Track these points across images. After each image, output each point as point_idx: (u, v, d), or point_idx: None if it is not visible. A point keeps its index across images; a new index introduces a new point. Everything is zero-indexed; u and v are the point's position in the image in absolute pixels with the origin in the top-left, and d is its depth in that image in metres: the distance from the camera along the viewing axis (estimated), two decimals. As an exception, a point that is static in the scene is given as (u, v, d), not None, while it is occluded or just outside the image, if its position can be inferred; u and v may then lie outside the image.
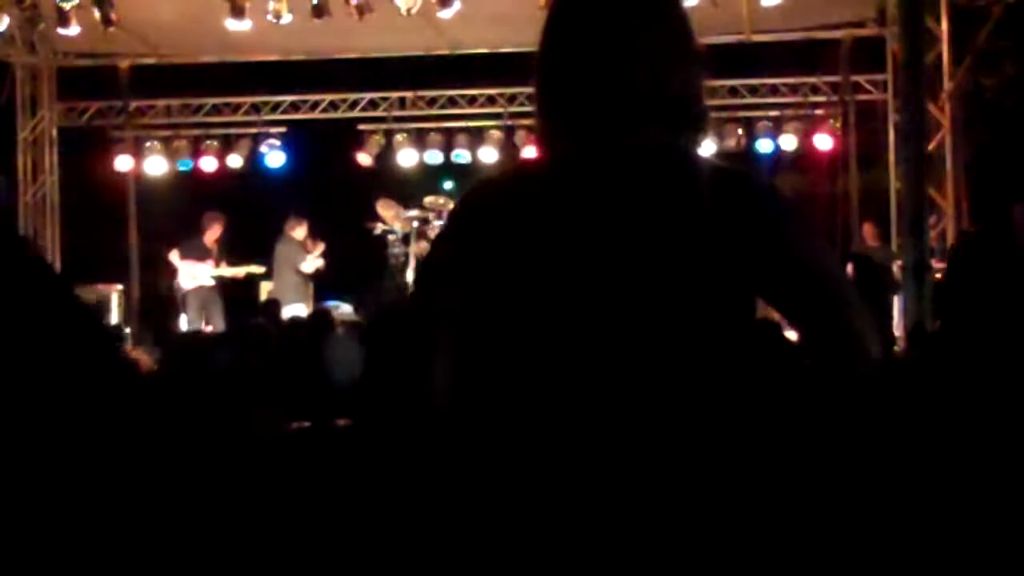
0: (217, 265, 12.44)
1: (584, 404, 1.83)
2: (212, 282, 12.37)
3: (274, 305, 10.73)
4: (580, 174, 1.90)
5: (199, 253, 12.38)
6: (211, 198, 13.64)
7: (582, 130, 1.92)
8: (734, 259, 1.85)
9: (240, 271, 12.57)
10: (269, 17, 11.27)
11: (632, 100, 1.90)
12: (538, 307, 1.86)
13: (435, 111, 14.56)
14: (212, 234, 12.49)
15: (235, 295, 12.62)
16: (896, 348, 8.00)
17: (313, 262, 12.64)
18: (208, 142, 14.39)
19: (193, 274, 12.32)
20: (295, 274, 12.49)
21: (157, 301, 13.50)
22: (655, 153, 1.89)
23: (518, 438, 1.85)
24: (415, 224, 12.43)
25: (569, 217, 1.87)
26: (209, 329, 11.91)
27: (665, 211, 1.85)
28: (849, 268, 8.87)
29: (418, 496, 1.93)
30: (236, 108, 14.67)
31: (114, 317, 12.84)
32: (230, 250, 12.68)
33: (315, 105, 14.65)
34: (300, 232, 12.73)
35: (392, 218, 12.74)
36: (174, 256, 12.45)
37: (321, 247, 12.80)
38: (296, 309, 11.49)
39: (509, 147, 13.90)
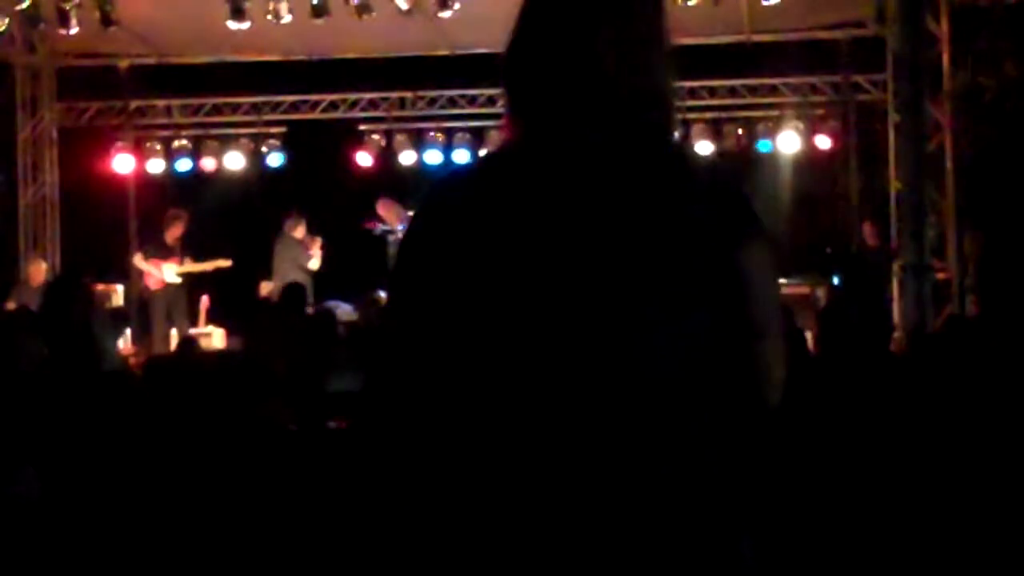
0: (181, 263, 12.40)
1: (557, 409, 1.81)
2: (178, 280, 12.34)
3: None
4: (543, 168, 1.89)
5: (162, 252, 12.34)
6: (211, 198, 13.62)
7: (547, 123, 1.91)
8: (693, 255, 1.84)
9: (207, 266, 12.50)
10: (269, 17, 11.28)
11: (598, 92, 1.90)
12: (506, 305, 1.85)
13: (435, 111, 14.56)
14: (174, 232, 12.41)
15: (232, 293, 12.60)
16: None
17: (316, 260, 12.63)
18: (208, 142, 14.40)
19: (158, 274, 12.29)
20: (297, 272, 12.46)
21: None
22: (621, 147, 1.89)
23: (496, 442, 1.84)
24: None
25: (534, 211, 1.86)
26: (174, 333, 11.88)
27: (629, 205, 1.84)
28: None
29: (399, 501, 1.91)
30: (236, 108, 14.66)
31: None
32: (216, 247, 12.61)
33: (315, 105, 14.64)
34: (300, 231, 12.72)
35: (392, 218, 12.73)
36: (138, 259, 12.44)
37: (318, 242, 12.77)
38: None
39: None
